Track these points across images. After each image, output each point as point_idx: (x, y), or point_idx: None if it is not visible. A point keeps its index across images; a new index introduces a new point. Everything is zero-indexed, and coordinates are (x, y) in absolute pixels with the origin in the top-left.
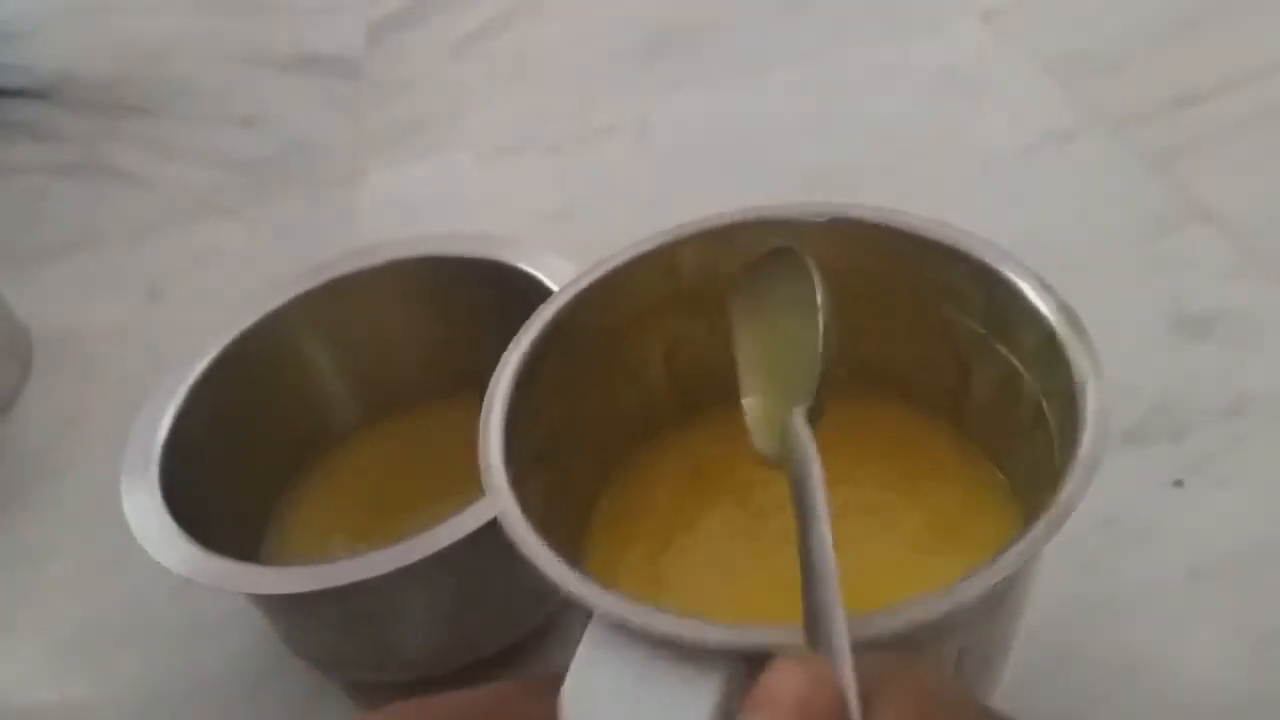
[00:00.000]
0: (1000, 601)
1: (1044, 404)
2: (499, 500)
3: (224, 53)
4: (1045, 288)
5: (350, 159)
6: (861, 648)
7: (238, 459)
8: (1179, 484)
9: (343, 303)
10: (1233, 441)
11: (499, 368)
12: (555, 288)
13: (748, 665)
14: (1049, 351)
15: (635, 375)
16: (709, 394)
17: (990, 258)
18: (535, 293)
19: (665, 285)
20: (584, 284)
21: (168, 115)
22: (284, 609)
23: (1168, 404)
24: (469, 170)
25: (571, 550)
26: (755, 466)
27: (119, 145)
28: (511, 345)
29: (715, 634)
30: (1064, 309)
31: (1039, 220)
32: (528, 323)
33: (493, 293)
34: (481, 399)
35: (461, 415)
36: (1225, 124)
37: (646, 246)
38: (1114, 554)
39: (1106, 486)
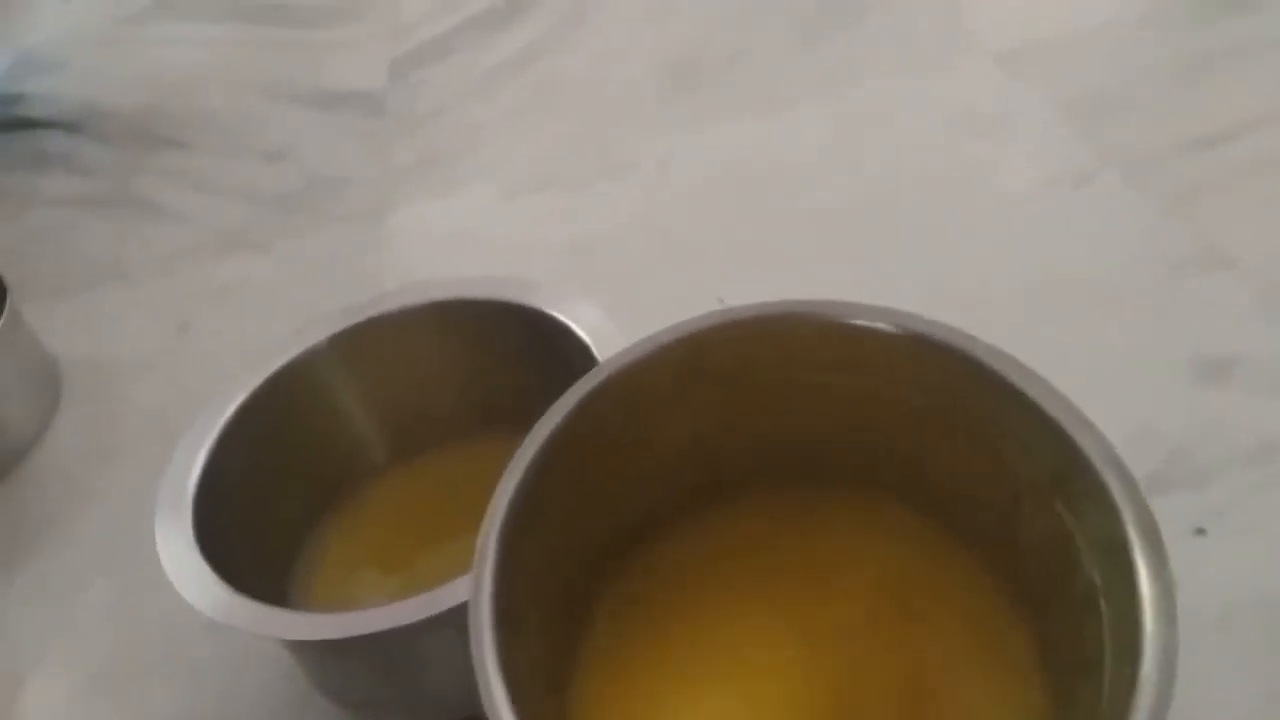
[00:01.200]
0: None
1: (1100, 597)
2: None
3: (251, 86)
4: (1128, 480)
5: (375, 194)
6: None
7: (269, 497)
8: (1201, 532)
9: (372, 344)
10: (1255, 489)
11: (500, 486)
12: (583, 333)
13: None
14: (1118, 560)
15: (656, 469)
16: (742, 496)
17: (1063, 417)
18: (562, 337)
19: (689, 377)
20: (595, 382)
21: (196, 148)
22: (314, 653)
23: (1188, 450)
24: (493, 206)
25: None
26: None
27: (148, 178)
28: (512, 462)
29: None
30: (1144, 520)
31: (1055, 262)
32: (533, 431)
33: (521, 335)
34: (509, 437)
35: (489, 454)
36: (1242, 166)
37: (668, 337)
38: None
39: None
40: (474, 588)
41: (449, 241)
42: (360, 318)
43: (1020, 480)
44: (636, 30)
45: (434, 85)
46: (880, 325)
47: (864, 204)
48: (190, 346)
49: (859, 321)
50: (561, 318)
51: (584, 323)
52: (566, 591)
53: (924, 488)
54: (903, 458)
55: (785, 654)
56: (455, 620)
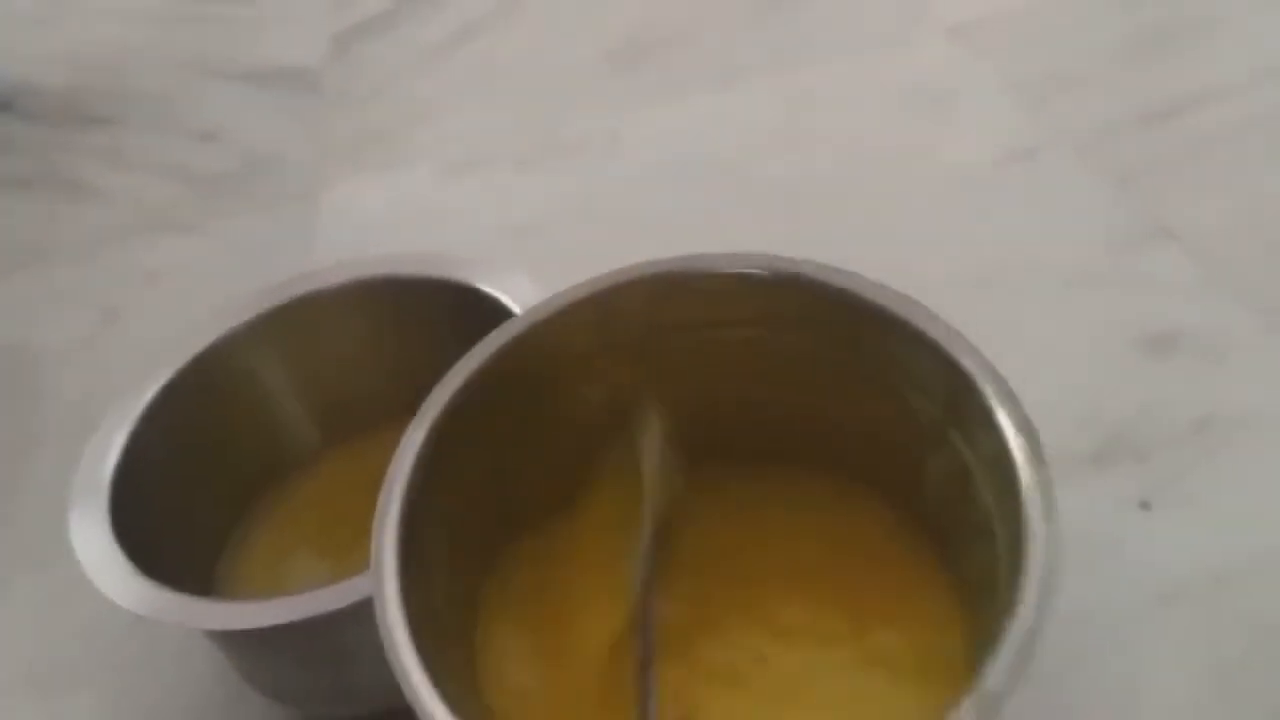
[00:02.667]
0: None
1: (994, 519)
2: (380, 583)
3: (185, 63)
4: (1008, 396)
5: (311, 173)
6: None
7: (192, 486)
8: (1145, 506)
9: (299, 324)
10: (1199, 461)
11: (407, 433)
12: (517, 308)
13: None
14: (1002, 471)
15: (570, 427)
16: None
17: (954, 348)
18: (497, 314)
19: (599, 335)
20: (509, 335)
21: (126, 127)
22: (240, 643)
23: (1133, 424)
24: (433, 185)
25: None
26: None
27: (75, 157)
28: (423, 407)
29: None
30: (1025, 427)
31: (1004, 237)
32: (443, 380)
33: (453, 313)
34: None
35: None
36: (1190, 142)
37: (579, 294)
38: (1079, 578)
39: (1072, 507)
40: (377, 538)
41: (387, 222)
42: (284, 297)
43: (920, 420)
44: (583, 6)
45: (374, 62)
46: (761, 272)
47: (814, 181)
48: (116, 333)
49: (746, 271)
50: (494, 293)
51: (518, 297)
52: (478, 547)
53: (831, 443)
54: (810, 414)
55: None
56: None
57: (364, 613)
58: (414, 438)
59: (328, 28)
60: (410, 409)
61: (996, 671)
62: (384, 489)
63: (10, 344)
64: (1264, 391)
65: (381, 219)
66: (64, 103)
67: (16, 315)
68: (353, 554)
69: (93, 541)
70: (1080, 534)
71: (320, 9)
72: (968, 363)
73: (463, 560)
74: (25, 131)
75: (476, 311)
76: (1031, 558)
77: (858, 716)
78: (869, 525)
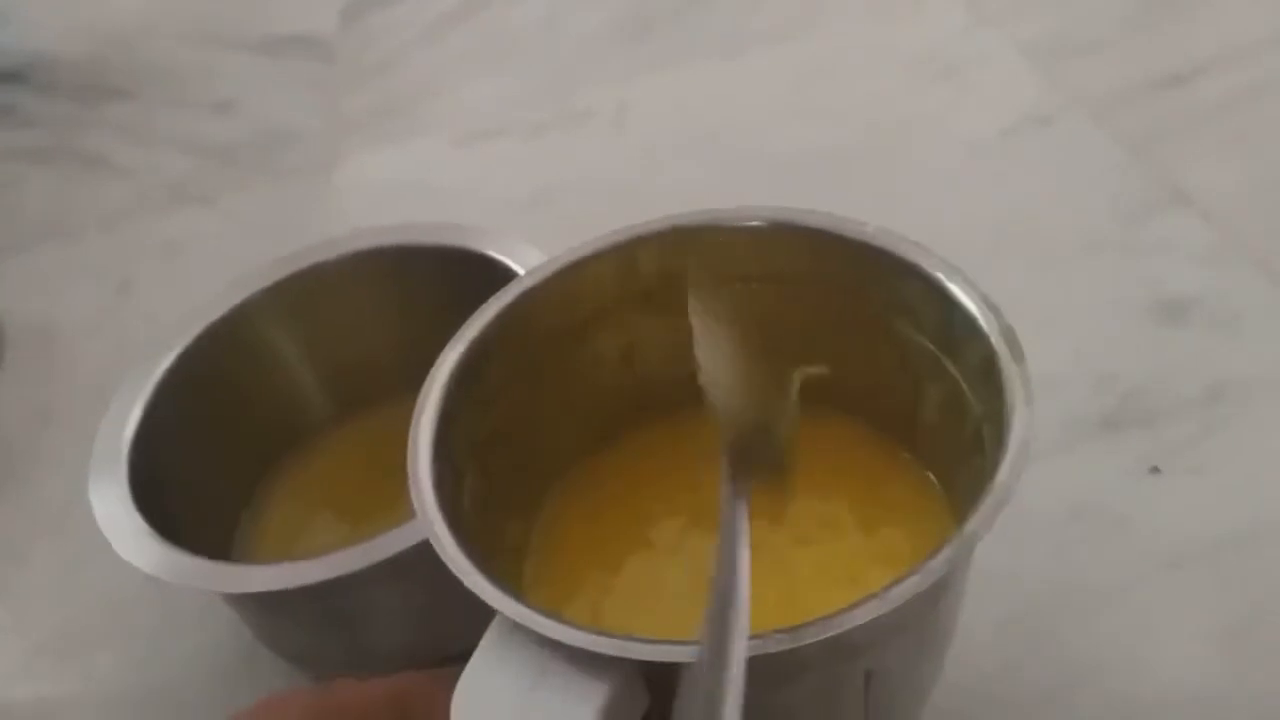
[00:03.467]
0: (899, 632)
1: (983, 428)
2: (421, 498)
3: (199, 35)
4: (991, 308)
5: (325, 144)
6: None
7: (209, 454)
8: (1155, 471)
9: (313, 294)
10: (1210, 428)
11: (435, 366)
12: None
13: (639, 675)
14: (988, 374)
15: (590, 374)
16: (669, 396)
17: (941, 273)
18: (508, 282)
19: (621, 284)
20: (532, 281)
21: (142, 99)
22: (255, 606)
23: (1145, 390)
24: (444, 155)
25: (512, 550)
26: (707, 463)
27: (93, 130)
28: (451, 342)
29: (605, 643)
30: (1006, 331)
31: (1018, 204)
32: (470, 319)
33: (465, 282)
34: None
35: None
36: (1205, 107)
37: (601, 245)
38: (1089, 542)
39: (1083, 472)
40: (415, 417)
41: (400, 192)
42: (297, 266)
43: (918, 357)
44: None
45: (385, 31)
46: (761, 223)
47: (825, 149)
48: (133, 305)
49: (756, 224)
50: (507, 261)
51: (529, 265)
52: (508, 473)
53: (836, 382)
54: (817, 357)
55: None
56: (395, 569)
57: (379, 576)
58: (433, 387)
59: None
60: (421, 376)
61: (976, 517)
62: (411, 432)
63: (29, 315)
64: (1276, 358)
65: (394, 189)
66: (79, 75)
67: (35, 287)
68: (369, 519)
69: (112, 508)
70: (1091, 498)
71: None
72: (954, 285)
73: (498, 507)
74: (41, 104)
75: (488, 280)
76: (1012, 431)
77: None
78: (871, 453)
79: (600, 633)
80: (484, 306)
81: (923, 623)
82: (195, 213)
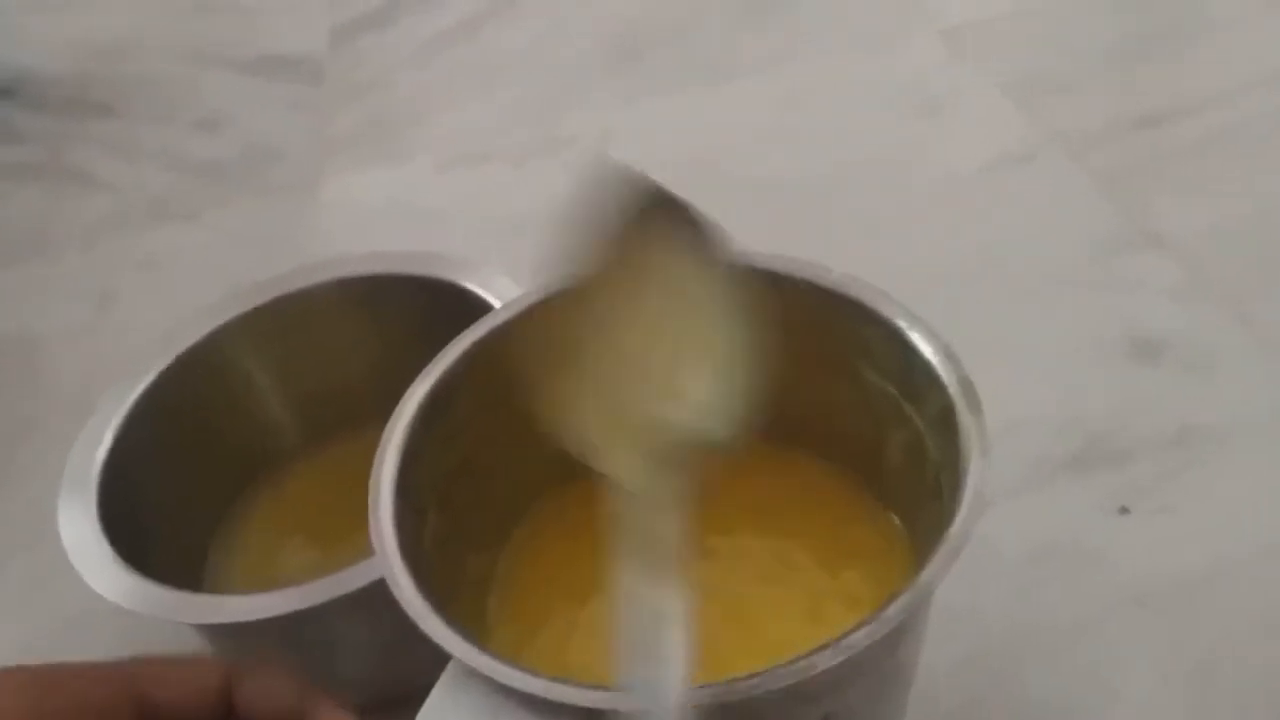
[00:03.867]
0: (858, 677)
1: (941, 475)
2: (380, 535)
3: (187, 53)
4: (950, 358)
5: (310, 164)
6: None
7: (180, 480)
8: (1124, 511)
9: (287, 322)
10: (1178, 468)
11: (401, 402)
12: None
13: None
14: (946, 423)
15: None
16: None
17: (901, 320)
18: (483, 313)
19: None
20: (502, 317)
21: (128, 116)
22: (221, 635)
23: (1114, 429)
24: (429, 178)
25: (476, 584)
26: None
27: (78, 146)
28: (419, 378)
29: (559, 691)
30: (964, 382)
31: (994, 239)
32: (439, 354)
33: (440, 312)
34: None
35: None
36: (1180, 147)
37: (561, 285)
38: (1057, 581)
39: (1048, 513)
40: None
41: (383, 213)
42: (273, 294)
43: (879, 401)
44: (579, 4)
45: (374, 54)
46: (747, 267)
47: (806, 181)
48: (113, 320)
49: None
50: (482, 293)
51: (501, 296)
52: (472, 508)
53: (803, 425)
54: (784, 399)
55: None
56: (361, 602)
57: (345, 608)
58: (399, 422)
59: (328, 19)
60: (393, 406)
61: (931, 567)
62: (374, 473)
63: (9, 329)
64: (1245, 400)
65: (378, 210)
66: (67, 91)
67: (16, 301)
68: (341, 544)
69: (81, 535)
70: (1059, 536)
71: (321, 0)
72: (915, 333)
73: (462, 542)
74: (28, 119)
75: (463, 310)
76: (967, 480)
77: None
78: (836, 492)
79: (554, 680)
80: (453, 342)
81: (882, 666)
82: (178, 229)
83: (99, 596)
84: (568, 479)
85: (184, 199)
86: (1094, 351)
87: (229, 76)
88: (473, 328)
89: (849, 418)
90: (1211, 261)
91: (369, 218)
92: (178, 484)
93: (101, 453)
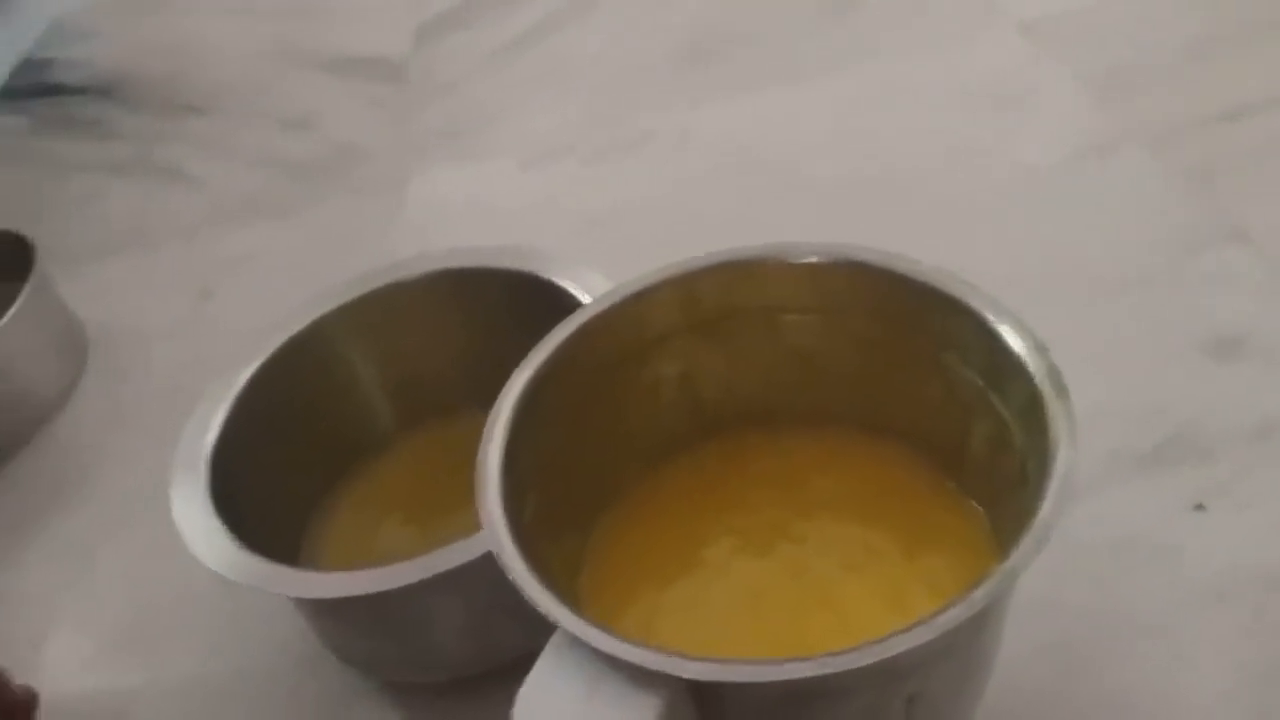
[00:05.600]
0: (943, 659)
1: (1027, 464)
2: (488, 513)
3: (276, 54)
4: (1038, 348)
5: (395, 162)
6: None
7: (282, 462)
8: (1200, 508)
9: (384, 313)
10: (1257, 465)
11: (504, 389)
12: (588, 301)
13: (688, 691)
14: (1034, 412)
15: (647, 399)
16: (723, 419)
17: (989, 311)
18: (569, 306)
19: (680, 314)
20: (596, 310)
21: (220, 115)
22: (320, 611)
23: (1193, 425)
24: (510, 176)
25: (568, 564)
26: (760, 488)
27: (173, 145)
28: (520, 366)
29: (656, 659)
30: (1052, 372)
31: (1073, 236)
32: (538, 345)
33: (529, 305)
34: None
35: None
36: (1264, 142)
37: (663, 275)
38: (1130, 576)
39: (1128, 507)
40: (484, 439)
41: (466, 211)
42: (371, 286)
43: (965, 391)
44: (654, 4)
45: (454, 55)
46: (820, 259)
47: (882, 178)
48: (211, 314)
49: (814, 259)
50: (570, 287)
51: (590, 290)
52: (567, 491)
53: (887, 413)
54: (870, 389)
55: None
56: (455, 582)
57: (436, 588)
58: (503, 408)
59: (411, 21)
60: (484, 394)
61: (1018, 553)
62: (481, 450)
63: (108, 323)
64: None
65: (462, 208)
66: (161, 91)
67: (115, 295)
68: (434, 525)
69: (190, 508)
70: (1135, 532)
71: (403, 3)
72: (1003, 325)
73: (557, 523)
74: (124, 119)
75: (551, 302)
76: (1055, 468)
77: (901, 620)
78: (919, 480)
79: (652, 649)
80: (551, 333)
81: (966, 650)
82: (269, 226)
83: (192, 578)
84: (655, 467)
85: (275, 197)
86: (1174, 347)
87: (316, 77)
88: (569, 318)
89: (935, 407)
90: None
91: (454, 214)
92: (279, 468)
93: (210, 437)
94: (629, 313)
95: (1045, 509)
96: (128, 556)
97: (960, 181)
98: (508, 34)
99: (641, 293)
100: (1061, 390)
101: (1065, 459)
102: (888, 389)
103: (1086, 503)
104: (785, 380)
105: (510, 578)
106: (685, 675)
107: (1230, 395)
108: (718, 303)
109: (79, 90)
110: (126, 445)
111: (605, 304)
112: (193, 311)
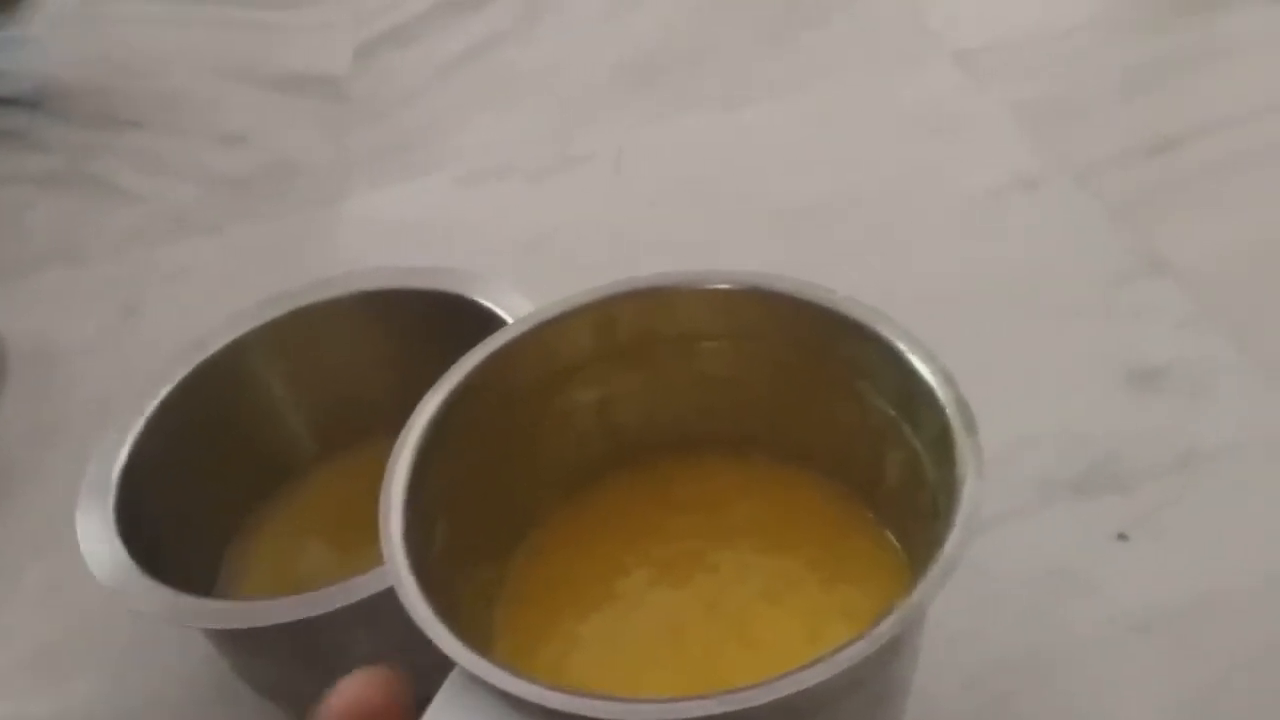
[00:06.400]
0: (849, 694)
1: (938, 496)
2: (389, 541)
3: (213, 68)
4: (948, 380)
5: (333, 179)
6: None
7: (197, 488)
8: (1123, 537)
9: (305, 332)
10: (1179, 495)
11: (414, 413)
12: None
13: None
14: (943, 444)
15: (565, 425)
16: (641, 447)
17: (900, 341)
18: (495, 328)
19: (597, 340)
20: (514, 333)
21: (154, 129)
22: (230, 641)
23: (1116, 456)
24: (449, 195)
25: (482, 595)
26: (677, 516)
27: (104, 157)
28: (431, 390)
29: (559, 700)
30: (960, 404)
31: (1001, 263)
32: (452, 368)
33: (454, 326)
34: None
35: None
36: (1189, 174)
37: (580, 301)
38: (1054, 606)
39: (1050, 537)
40: (389, 470)
41: (403, 229)
42: (290, 307)
43: (878, 420)
44: (599, 24)
45: (396, 72)
46: (734, 287)
47: (817, 202)
48: (136, 330)
49: (730, 287)
50: (496, 309)
51: (513, 311)
52: (481, 520)
53: (803, 441)
54: (786, 417)
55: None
56: (369, 610)
57: (353, 617)
58: (411, 434)
59: (352, 38)
60: (407, 417)
61: (922, 586)
62: (386, 476)
63: (33, 337)
64: (1246, 428)
65: (398, 225)
66: (95, 104)
67: (41, 310)
68: (355, 553)
69: (97, 537)
70: (1058, 562)
71: (345, 19)
72: (913, 355)
73: (469, 554)
74: (55, 131)
75: (478, 324)
76: (962, 504)
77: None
78: (838, 509)
79: (555, 689)
80: (465, 356)
81: (874, 684)
82: (200, 241)
83: (113, 602)
84: (573, 496)
85: (207, 212)
86: (1097, 377)
87: (254, 92)
88: (483, 343)
89: (852, 436)
90: (1218, 290)
91: (389, 232)
92: (194, 493)
93: (120, 460)
94: (544, 338)
95: (951, 542)
96: (42, 580)
97: (893, 209)
98: (450, 52)
99: (558, 318)
100: (970, 423)
101: (971, 492)
102: (805, 417)
103: (1008, 532)
104: (703, 407)
105: (408, 611)
106: (589, 714)
107: (1152, 426)
108: (634, 329)
109: (9, 101)
110: (46, 464)
111: (520, 329)
112: (117, 328)
